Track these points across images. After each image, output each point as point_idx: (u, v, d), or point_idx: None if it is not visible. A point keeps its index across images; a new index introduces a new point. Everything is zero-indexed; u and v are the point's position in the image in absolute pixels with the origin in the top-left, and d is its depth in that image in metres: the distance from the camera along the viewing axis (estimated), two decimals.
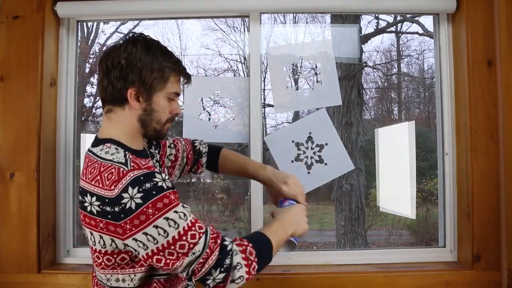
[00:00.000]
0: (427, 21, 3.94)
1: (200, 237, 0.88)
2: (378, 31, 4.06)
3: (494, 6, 1.52)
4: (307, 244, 4.89)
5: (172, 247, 0.86)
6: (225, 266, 0.89)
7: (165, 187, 0.87)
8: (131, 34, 1.00)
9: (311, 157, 1.67)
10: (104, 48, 0.97)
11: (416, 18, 3.73)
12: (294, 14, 2.89)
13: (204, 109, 1.72)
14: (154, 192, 0.85)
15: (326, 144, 1.67)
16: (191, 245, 0.87)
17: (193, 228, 0.88)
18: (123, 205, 0.84)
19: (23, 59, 1.54)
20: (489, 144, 1.52)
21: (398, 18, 3.93)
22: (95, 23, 3.80)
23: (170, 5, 1.61)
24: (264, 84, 1.93)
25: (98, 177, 0.88)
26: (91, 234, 0.91)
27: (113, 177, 0.87)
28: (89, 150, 0.98)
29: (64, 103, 1.68)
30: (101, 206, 0.86)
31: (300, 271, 1.56)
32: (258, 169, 1.23)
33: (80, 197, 0.92)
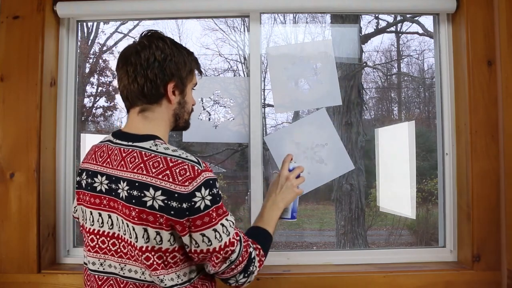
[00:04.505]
0: (427, 21, 3.92)
1: (236, 245, 0.94)
2: (378, 31, 4.05)
3: (494, 6, 1.52)
4: (307, 244, 4.88)
5: (222, 252, 0.91)
6: (248, 272, 0.98)
7: (221, 196, 0.93)
8: (149, 32, 1.02)
9: (311, 157, 1.66)
10: (121, 50, 0.97)
11: (416, 18, 3.72)
12: (294, 14, 2.88)
13: (204, 109, 1.72)
14: (218, 199, 0.90)
15: (326, 144, 1.67)
16: (230, 252, 0.92)
17: (234, 236, 0.94)
18: (192, 203, 0.86)
19: (23, 59, 1.54)
20: (489, 144, 1.52)
21: (398, 18, 3.92)
22: (95, 23, 3.77)
23: (170, 5, 1.61)
24: (264, 84, 1.93)
25: (168, 172, 0.87)
26: (145, 231, 0.87)
27: (188, 174, 0.87)
28: (133, 145, 0.94)
29: (64, 103, 1.68)
30: (166, 201, 0.85)
31: (300, 271, 1.56)
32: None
33: (135, 192, 0.87)
